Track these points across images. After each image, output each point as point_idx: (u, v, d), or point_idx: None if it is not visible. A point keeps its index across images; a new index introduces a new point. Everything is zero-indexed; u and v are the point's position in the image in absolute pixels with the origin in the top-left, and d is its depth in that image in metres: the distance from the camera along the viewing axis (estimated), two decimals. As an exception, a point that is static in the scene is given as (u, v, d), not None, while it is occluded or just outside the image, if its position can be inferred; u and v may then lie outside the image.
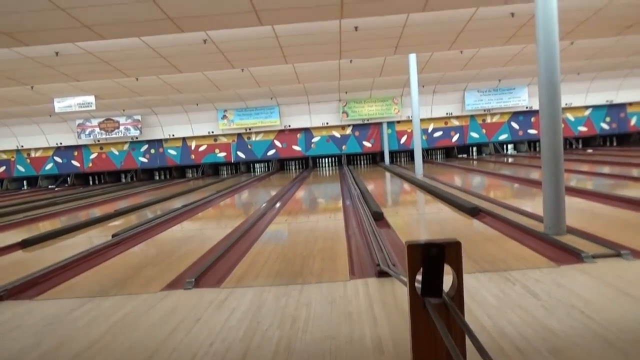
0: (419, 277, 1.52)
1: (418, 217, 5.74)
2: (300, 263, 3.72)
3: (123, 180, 18.14)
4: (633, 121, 16.08)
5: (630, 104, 15.86)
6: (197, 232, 5.72)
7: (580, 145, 17.10)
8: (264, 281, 3.28)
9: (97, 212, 8.58)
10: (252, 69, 10.38)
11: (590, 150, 15.26)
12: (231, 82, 11.83)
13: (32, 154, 17.12)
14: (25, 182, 18.16)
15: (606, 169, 9.25)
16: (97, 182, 18.22)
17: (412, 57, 9.98)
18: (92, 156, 17.06)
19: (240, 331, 2.40)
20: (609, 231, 3.80)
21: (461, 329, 1.43)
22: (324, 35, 7.69)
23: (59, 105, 12.06)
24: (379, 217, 5.31)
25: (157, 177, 18.16)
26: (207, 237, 5.31)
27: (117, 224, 6.69)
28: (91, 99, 12.00)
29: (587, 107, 15.88)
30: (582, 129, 16.08)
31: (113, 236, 5.37)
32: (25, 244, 5.41)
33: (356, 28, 7.39)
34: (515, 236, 4.02)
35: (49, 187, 17.50)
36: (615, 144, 17.03)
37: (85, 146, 16.89)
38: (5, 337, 2.61)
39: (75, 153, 17.02)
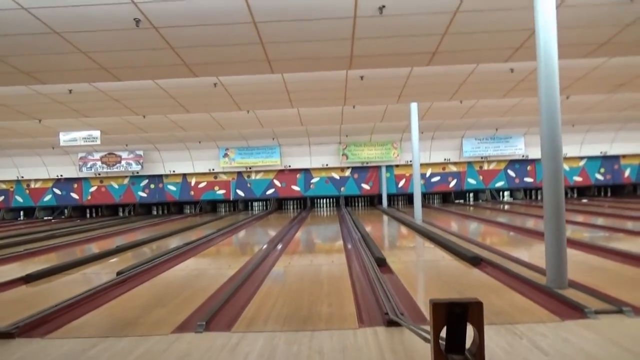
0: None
1: (420, 265, 5.82)
2: (308, 308, 3.78)
3: (120, 214, 18.15)
4: (627, 173, 16.42)
5: (624, 156, 16.24)
6: (202, 272, 5.76)
7: (576, 195, 17.36)
8: (274, 326, 3.34)
9: (98, 247, 8.60)
10: (257, 111, 10.66)
11: (585, 200, 15.49)
12: (235, 122, 12.09)
13: (32, 185, 17.17)
14: (22, 213, 18.12)
15: (600, 220, 9.41)
16: (94, 215, 18.22)
17: (414, 106, 10.30)
18: (92, 189, 17.13)
19: (256, 378, 2.45)
20: (609, 286, 3.90)
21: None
22: (330, 83, 7.98)
23: (65, 138, 12.24)
24: (382, 263, 5.39)
25: (155, 212, 18.19)
26: (212, 278, 5.36)
27: (120, 260, 6.71)
28: (97, 133, 12.21)
29: (582, 158, 16.23)
30: (578, 179, 16.38)
31: (118, 274, 5.41)
32: (29, 279, 5.42)
33: (362, 77, 7.69)
34: (518, 288, 4.11)
35: (45, 218, 17.47)
36: (609, 194, 17.32)
37: (85, 179, 16.99)
38: (22, 376, 2.64)
39: (75, 185, 17.09)
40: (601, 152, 16.03)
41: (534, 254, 5.78)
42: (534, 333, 2.90)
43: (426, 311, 3.51)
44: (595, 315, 3.14)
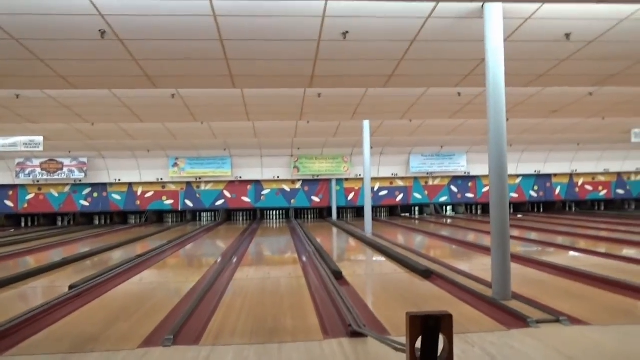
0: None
1: (375, 278, 6.08)
2: (272, 320, 3.90)
3: (59, 223, 17.34)
4: (557, 190, 17.70)
5: (555, 175, 17.53)
6: (159, 285, 5.72)
7: (512, 210, 18.48)
8: (241, 339, 3.43)
9: (41, 258, 8.24)
10: (211, 122, 10.65)
11: (520, 216, 16.51)
12: (188, 133, 11.99)
13: (-39, 191, 16.08)
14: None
15: (534, 235, 10.14)
16: (29, 224, 17.29)
17: (366, 123, 10.68)
18: (29, 197, 16.26)
19: (232, 389, 2.56)
20: (547, 297, 4.31)
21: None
22: (288, 99, 8.17)
23: (3, 143, 11.64)
24: (338, 276, 5.59)
25: (97, 222, 17.52)
26: (170, 291, 5.34)
27: (69, 273, 6.50)
28: (39, 139, 11.70)
29: (518, 176, 17.33)
30: (514, 195, 17.44)
31: (70, 287, 5.27)
32: (-28, 293, 5.18)
33: (319, 95, 7.93)
34: (467, 299, 4.43)
35: (-25, 227, 16.38)
36: (542, 210, 18.57)
37: (22, 186, 16.11)
38: (-12, 394, 2.60)
39: (10, 192, 16.17)
40: (535, 171, 17.20)
41: (477, 266, 6.20)
42: (484, 341, 3.19)
43: (385, 323, 3.74)
44: (536, 325, 3.48)
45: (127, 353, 3.17)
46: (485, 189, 17.32)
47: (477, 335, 3.31)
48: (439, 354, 1.83)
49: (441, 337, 1.83)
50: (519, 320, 3.63)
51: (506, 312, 3.88)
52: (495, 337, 3.28)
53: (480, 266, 6.16)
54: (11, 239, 11.38)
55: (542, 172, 17.30)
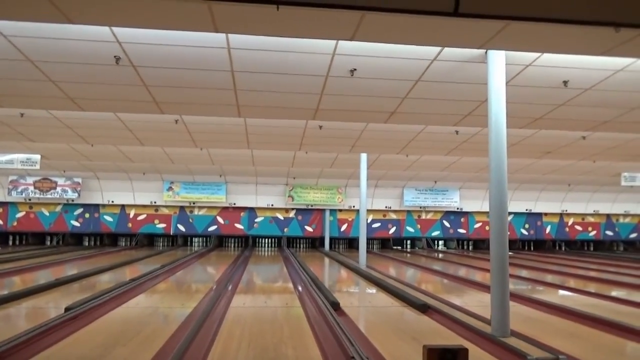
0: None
1: (373, 310, 6.10)
2: (274, 350, 3.91)
3: (48, 242, 17.12)
4: (548, 229, 17.91)
5: (546, 214, 17.77)
6: (155, 310, 5.68)
7: (502, 247, 18.58)
8: (245, 367, 3.44)
9: (33, 278, 8.15)
10: (210, 149, 10.75)
11: (511, 253, 16.63)
12: (186, 157, 12.06)
13: (-50, 207, 15.89)
14: None
15: (525, 273, 10.24)
16: (17, 242, 17.06)
17: (364, 156, 10.85)
18: (19, 215, 16.10)
19: (240, 417, 2.56)
20: (545, 335, 4.37)
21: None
22: (289, 129, 8.32)
23: (0, 160, 11.61)
24: (336, 307, 5.60)
25: (86, 243, 17.33)
26: (168, 316, 5.32)
27: (63, 294, 6.43)
28: (36, 157, 11.70)
29: (509, 214, 17.51)
30: (505, 232, 17.58)
31: (66, 310, 5.22)
32: (-35, 311, 5.11)
33: (320, 127, 8.09)
34: (465, 335, 4.47)
35: (-40, 243, 16.13)
36: (532, 248, 18.72)
37: (12, 203, 15.97)
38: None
39: (0, 210, 16.00)
40: (526, 209, 17.43)
41: (473, 302, 6.25)
42: (487, 378, 3.22)
43: (387, 356, 3.77)
44: (536, 363, 3.53)
45: (130, 378, 3.16)
46: (477, 225, 17.48)
47: (478, 372, 3.35)
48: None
49: (456, 371, 1.89)
50: (519, 358, 3.67)
51: (506, 349, 3.92)
52: (496, 374, 3.32)
53: (476, 302, 6.21)
54: (1, 257, 11.21)
55: (533, 211, 17.53)
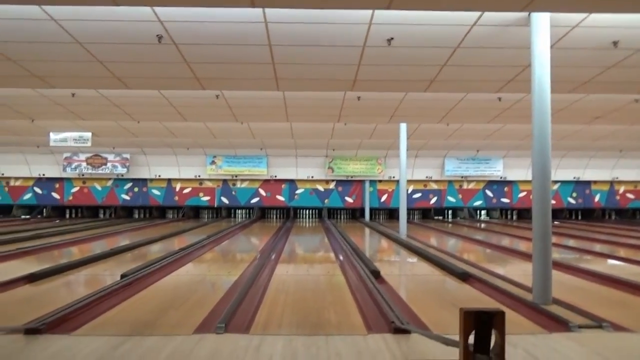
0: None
1: (413, 278, 6.18)
2: (316, 315, 4.07)
3: (101, 216, 18.04)
4: (597, 198, 17.27)
5: (595, 182, 17.11)
6: (204, 277, 5.99)
7: (548, 217, 18.10)
8: (289, 330, 3.62)
9: (89, 248, 8.69)
10: (251, 122, 10.93)
11: (557, 223, 16.19)
12: (227, 132, 12.32)
13: (12, 183, 16.95)
14: (-1, 211, 17.82)
15: (572, 242, 9.99)
16: (73, 215, 18.06)
17: (403, 126, 10.74)
18: (74, 190, 17.01)
19: (285, 375, 2.73)
20: (587, 303, 4.32)
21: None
22: (328, 101, 8.34)
23: (55, 138, 12.25)
24: (377, 276, 5.71)
25: (136, 216, 18.15)
26: (215, 283, 5.60)
27: (118, 262, 6.85)
28: (88, 135, 12.27)
29: (555, 182, 17.01)
30: (552, 201, 17.09)
31: (122, 276, 5.58)
32: (33, 278, 5.54)
33: (359, 98, 8.06)
34: (506, 302, 4.49)
35: (23, 217, 17.24)
36: (580, 217, 18.14)
37: (68, 179, 16.87)
38: (64, 368, 2.85)
39: (57, 185, 16.95)
40: (574, 177, 16.84)
41: (515, 271, 6.21)
42: (526, 343, 3.26)
43: (427, 321, 3.86)
44: (578, 329, 3.53)
45: (183, 338, 3.39)
46: (521, 194, 17.07)
47: (518, 337, 3.38)
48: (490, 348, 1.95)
49: (493, 333, 1.95)
50: (561, 325, 3.67)
51: (547, 316, 3.92)
52: (537, 339, 3.35)
53: (519, 271, 6.17)
54: (58, 229, 11.98)
55: (581, 179, 16.91)
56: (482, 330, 1.91)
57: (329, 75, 6.20)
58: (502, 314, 1.91)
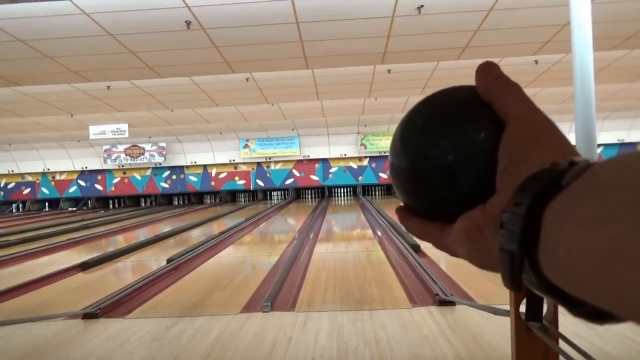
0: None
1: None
2: (359, 291, 4.10)
3: (143, 204, 18.60)
4: (643, 160, 16.51)
5: (641, 143, 16.36)
6: (245, 259, 6.11)
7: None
8: (333, 306, 3.66)
9: (135, 236, 8.99)
10: (281, 103, 10.94)
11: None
12: (258, 114, 12.38)
13: (57, 177, 17.65)
14: (47, 204, 18.63)
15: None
16: (116, 205, 18.70)
17: (436, 96, 10.50)
18: (115, 180, 17.57)
19: (333, 349, 2.77)
20: None
21: (554, 351, 1.82)
22: (358, 76, 8.23)
23: (94, 131, 12.62)
24: (416, 249, 5.68)
25: (176, 202, 18.62)
26: (257, 264, 5.71)
27: (163, 248, 7.07)
28: (125, 126, 12.57)
29: (599, 145, 16.31)
30: (594, 166, 16.49)
31: (168, 261, 5.76)
32: (85, 267, 5.79)
33: (389, 71, 7.91)
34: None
35: (70, 209, 17.97)
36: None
37: (108, 170, 17.43)
38: (122, 349, 2.98)
39: (99, 177, 17.54)
40: (618, 140, 16.13)
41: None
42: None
43: (472, 293, 3.82)
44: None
45: (231, 317, 3.49)
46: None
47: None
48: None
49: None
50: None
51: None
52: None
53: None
54: (103, 219, 12.44)
55: (626, 141, 16.18)
56: (533, 298, 1.86)
57: (359, 50, 6.10)
58: (554, 280, 1.87)
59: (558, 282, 0.27)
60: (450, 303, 3.43)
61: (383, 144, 16.22)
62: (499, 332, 2.82)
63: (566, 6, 4.35)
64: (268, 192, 18.54)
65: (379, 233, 7.59)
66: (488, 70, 0.38)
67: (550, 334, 1.83)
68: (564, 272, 0.26)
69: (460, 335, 2.88)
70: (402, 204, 0.44)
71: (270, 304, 3.68)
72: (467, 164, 0.36)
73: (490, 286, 4.08)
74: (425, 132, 0.38)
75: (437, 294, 3.60)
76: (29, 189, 17.80)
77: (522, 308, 2.04)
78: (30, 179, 17.73)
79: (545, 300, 1.95)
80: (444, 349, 2.68)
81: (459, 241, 0.37)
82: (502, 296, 3.50)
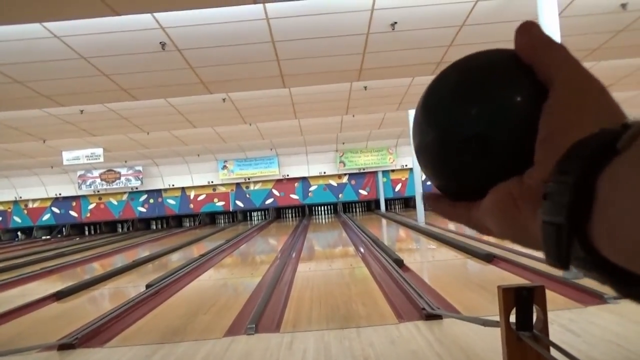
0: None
1: (436, 264, 6.12)
2: (345, 308, 4.04)
3: (120, 229, 18.20)
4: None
5: None
6: (227, 281, 5.99)
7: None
8: (319, 325, 3.59)
9: (110, 263, 8.75)
10: (259, 123, 10.92)
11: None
12: (236, 135, 12.33)
13: (30, 205, 17.17)
14: (19, 233, 18.06)
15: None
16: (92, 232, 18.24)
17: (412, 113, 10.64)
18: (91, 206, 17.18)
19: (322, 370, 2.71)
20: (620, 275, 4.23)
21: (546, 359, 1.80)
22: (335, 94, 8.28)
23: (68, 157, 12.36)
24: (400, 264, 5.66)
25: (154, 227, 18.28)
26: (239, 286, 5.59)
27: (141, 274, 6.89)
28: (99, 151, 12.35)
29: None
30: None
31: (147, 287, 5.60)
32: (60, 295, 5.58)
33: (365, 87, 7.99)
34: (536, 280, 4.40)
35: (44, 237, 17.45)
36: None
37: (84, 196, 17.05)
38: (101, 381, 2.86)
39: (74, 203, 17.13)
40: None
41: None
42: (562, 318, 3.19)
43: (457, 305, 3.80)
44: (614, 301, 3.45)
45: (215, 342, 3.38)
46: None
47: (553, 313, 3.29)
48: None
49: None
50: (594, 297, 3.60)
51: (580, 290, 3.84)
52: (573, 314, 3.28)
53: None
54: (78, 246, 12.10)
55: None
56: (523, 307, 1.85)
57: (335, 67, 6.15)
58: (543, 288, 1.85)
59: (615, 257, 0.24)
60: (437, 317, 3.40)
61: (362, 160, 16.31)
62: (487, 343, 2.80)
63: (535, 20, 4.47)
64: (248, 213, 18.39)
65: (362, 249, 7.56)
66: (530, 29, 0.34)
67: (541, 342, 1.82)
68: (625, 245, 0.23)
69: (449, 348, 2.85)
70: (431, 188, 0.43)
71: (254, 325, 3.60)
72: (503, 132, 0.32)
73: (475, 297, 4.08)
74: (456, 97, 0.34)
75: (424, 308, 3.56)
76: (0, 218, 17.24)
77: (512, 318, 2.03)
78: (1, 208, 17.19)
79: (534, 309, 1.94)
80: (434, 363, 2.64)
81: (489, 215, 0.34)
82: (487, 308, 3.51)
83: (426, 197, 0.43)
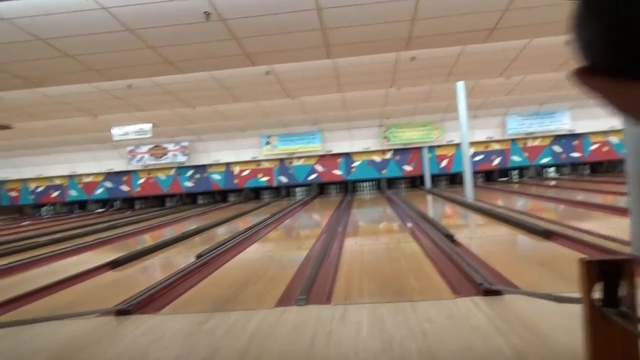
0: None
1: (489, 239, 5.89)
2: (397, 282, 3.93)
3: (168, 204, 18.73)
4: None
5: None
6: (275, 253, 6.00)
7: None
8: (371, 299, 3.50)
9: (160, 234, 8.99)
10: (302, 97, 10.80)
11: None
12: (279, 110, 12.27)
13: (84, 179, 17.89)
14: (77, 206, 18.88)
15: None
16: (142, 206, 18.86)
17: (461, 85, 10.22)
18: (140, 181, 17.72)
19: (377, 342, 2.62)
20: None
21: (634, 338, 1.63)
22: (380, 65, 8.03)
23: (117, 133, 12.71)
24: (451, 239, 5.48)
25: (200, 201, 18.68)
26: (286, 258, 5.59)
27: (191, 245, 7.02)
28: (148, 127, 12.62)
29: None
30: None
31: (198, 257, 5.68)
32: (114, 265, 5.76)
33: (413, 58, 7.69)
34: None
35: (97, 210, 18.20)
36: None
37: (134, 171, 17.58)
38: (156, 346, 2.88)
39: (125, 178, 17.72)
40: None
41: (601, 225, 5.75)
42: None
43: (517, 281, 3.62)
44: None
45: (266, 312, 3.36)
46: (593, 147, 15.97)
47: (625, 292, 3.08)
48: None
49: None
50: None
51: (653, 268, 3.56)
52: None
53: (607, 225, 5.72)
54: (130, 219, 12.52)
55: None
56: (609, 281, 1.68)
57: (382, 36, 5.91)
58: (631, 261, 1.67)
59: None
60: (497, 292, 3.24)
61: (406, 135, 15.95)
62: (555, 321, 2.63)
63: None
64: (291, 188, 18.44)
65: (409, 224, 7.39)
66: None
67: (630, 319, 1.65)
68: None
69: (513, 325, 2.70)
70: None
71: (305, 296, 3.55)
72: None
73: (534, 274, 3.87)
74: None
75: (481, 284, 3.41)
76: (57, 192, 18.09)
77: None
78: (58, 182, 18.01)
79: (620, 284, 1.76)
80: (496, 339, 2.50)
81: None
82: (548, 285, 3.30)
83: (576, 73, 0.42)
